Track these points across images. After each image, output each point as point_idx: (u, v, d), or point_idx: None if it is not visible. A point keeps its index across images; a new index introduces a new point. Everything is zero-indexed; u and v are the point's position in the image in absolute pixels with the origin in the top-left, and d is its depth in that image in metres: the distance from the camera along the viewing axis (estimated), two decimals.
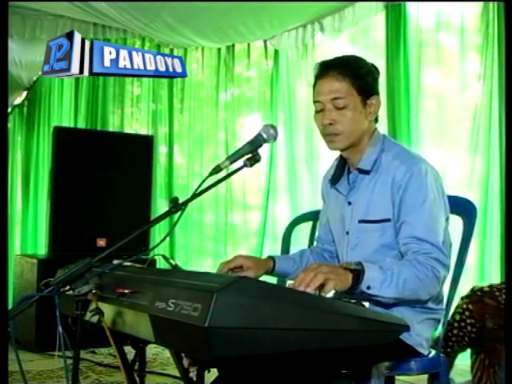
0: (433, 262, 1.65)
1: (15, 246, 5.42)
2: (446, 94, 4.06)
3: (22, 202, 5.57)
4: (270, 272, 1.97)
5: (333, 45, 4.73)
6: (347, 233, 1.87)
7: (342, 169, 1.94)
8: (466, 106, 3.91)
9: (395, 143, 1.90)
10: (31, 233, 5.45)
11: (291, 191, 4.96)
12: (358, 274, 1.57)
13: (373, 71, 1.85)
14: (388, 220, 1.77)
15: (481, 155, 3.76)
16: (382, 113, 1.94)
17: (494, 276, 3.62)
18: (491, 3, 3.72)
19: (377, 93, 1.85)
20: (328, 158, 2.06)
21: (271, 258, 2.00)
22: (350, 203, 1.87)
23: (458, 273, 1.92)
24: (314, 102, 1.84)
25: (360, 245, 1.82)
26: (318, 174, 4.36)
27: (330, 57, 1.88)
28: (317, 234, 2.12)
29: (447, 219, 1.81)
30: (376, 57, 4.00)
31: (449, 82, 4.06)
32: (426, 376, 1.92)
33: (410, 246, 1.70)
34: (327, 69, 1.81)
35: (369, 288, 1.58)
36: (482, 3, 3.80)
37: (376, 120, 1.89)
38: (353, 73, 1.78)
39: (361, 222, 1.82)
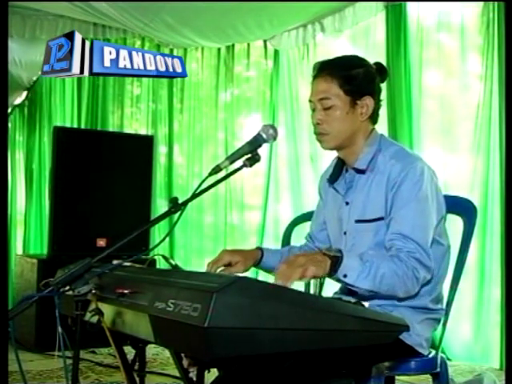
0: (414, 261, 1.65)
1: (16, 246, 5.43)
2: (447, 94, 4.06)
3: (25, 203, 5.57)
4: (257, 263, 1.95)
5: (333, 45, 4.73)
6: (345, 233, 1.87)
7: (340, 168, 1.94)
8: (467, 106, 3.91)
9: (392, 143, 1.90)
10: (34, 233, 5.44)
11: (293, 191, 4.96)
12: (336, 260, 1.57)
13: (369, 71, 1.83)
14: (381, 218, 1.77)
15: (482, 155, 3.76)
16: (383, 113, 1.93)
17: (494, 276, 3.62)
18: (491, 3, 3.72)
19: (371, 93, 1.82)
20: (331, 158, 2.04)
21: (259, 248, 1.98)
22: (347, 203, 1.87)
23: (458, 273, 1.92)
24: (308, 101, 1.87)
25: (356, 244, 1.82)
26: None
27: (331, 57, 1.89)
28: (309, 231, 2.10)
29: (441, 220, 1.81)
30: (376, 57, 4.00)
31: (450, 82, 4.06)
32: (425, 376, 1.92)
33: (394, 243, 1.70)
34: (319, 69, 1.84)
35: (345, 276, 1.58)
36: (481, 3, 3.80)
37: (375, 120, 1.88)
38: (342, 74, 1.79)
39: (357, 221, 1.82)
